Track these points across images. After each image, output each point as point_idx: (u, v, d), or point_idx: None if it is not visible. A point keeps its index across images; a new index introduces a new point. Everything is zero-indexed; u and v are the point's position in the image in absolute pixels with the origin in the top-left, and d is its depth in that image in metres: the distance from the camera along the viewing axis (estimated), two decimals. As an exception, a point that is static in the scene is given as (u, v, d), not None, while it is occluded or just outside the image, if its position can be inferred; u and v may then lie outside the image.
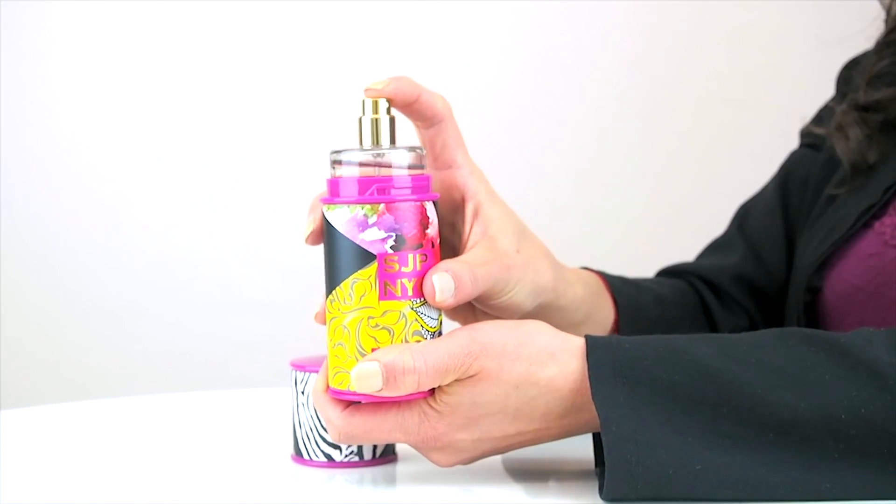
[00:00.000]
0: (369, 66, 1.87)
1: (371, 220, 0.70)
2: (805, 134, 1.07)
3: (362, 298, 0.71)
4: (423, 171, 0.73)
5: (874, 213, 0.93)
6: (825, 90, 1.11)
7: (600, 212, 1.92)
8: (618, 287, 0.93)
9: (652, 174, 1.91)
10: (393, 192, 0.71)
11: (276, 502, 0.74)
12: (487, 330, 0.71)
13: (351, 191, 0.71)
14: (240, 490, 0.76)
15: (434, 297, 0.71)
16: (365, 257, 0.70)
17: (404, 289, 0.71)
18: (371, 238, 0.70)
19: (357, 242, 0.71)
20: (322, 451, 0.80)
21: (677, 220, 1.89)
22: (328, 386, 0.73)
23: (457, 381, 0.70)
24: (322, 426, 0.79)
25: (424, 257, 0.71)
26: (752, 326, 1.02)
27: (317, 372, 0.79)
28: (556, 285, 0.81)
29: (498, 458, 0.79)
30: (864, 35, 1.02)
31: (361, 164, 0.71)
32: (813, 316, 0.95)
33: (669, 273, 1.05)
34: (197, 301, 1.93)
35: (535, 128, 1.92)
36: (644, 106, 1.90)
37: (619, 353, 0.69)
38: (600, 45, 1.90)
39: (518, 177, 1.84)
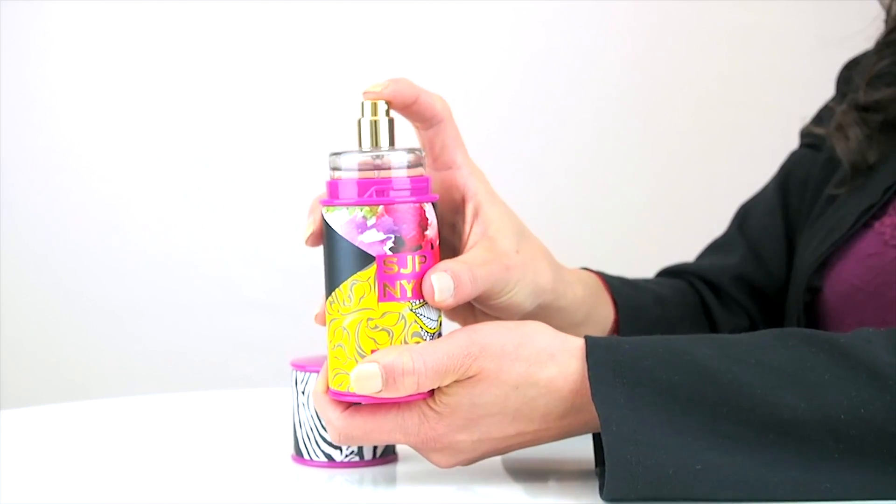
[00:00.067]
0: (369, 67, 1.87)
1: (370, 222, 0.70)
2: (805, 134, 1.07)
3: (361, 300, 0.71)
4: (422, 173, 0.73)
5: (874, 213, 0.93)
6: (825, 90, 1.11)
7: (600, 212, 1.92)
8: (617, 287, 0.93)
9: (652, 174, 1.91)
10: (392, 193, 0.71)
11: (276, 502, 0.74)
12: (487, 331, 0.71)
13: (350, 192, 0.71)
14: (240, 490, 0.76)
15: (433, 296, 0.71)
16: (364, 259, 0.70)
17: (403, 290, 0.71)
18: (370, 240, 0.70)
19: (356, 244, 0.71)
20: (322, 451, 0.80)
21: (677, 220, 1.89)
22: (328, 387, 0.73)
23: (456, 381, 0.70)
24: (322, 426, 0.79)
25: (423, 259, 0.71)
26: (753, 327, 1.02)
27: (317, 372, 0.79)
28: (556, 286, 0.81)
29: (498, 458, 0.79)
30: (864, 35, 1.02)
31: (360, 166, 0.71)
32: (813, 316, 0.95)
33: (669, 273, 1.05)
34: (197, 301, 1.93)
35: (535, 128, 1.92)
36: (644, 106, 1.90)
37: (618, 353, 0.69)
38: (600, 45, 1.90)
39: (518, 177, 1.84)
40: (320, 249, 0.74)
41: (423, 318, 0.72)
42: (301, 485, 0.77)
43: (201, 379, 1.90)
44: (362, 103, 0.74)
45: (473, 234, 0.77)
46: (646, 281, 1.01)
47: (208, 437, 0.91)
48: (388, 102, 0.74)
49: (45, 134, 1.92)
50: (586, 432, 0.73)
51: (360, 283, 0.71)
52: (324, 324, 0.74)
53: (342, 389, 0.72)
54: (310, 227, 0.74)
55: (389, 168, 0.71)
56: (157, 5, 1.89)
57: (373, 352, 0.70)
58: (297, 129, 1.91)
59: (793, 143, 1.09)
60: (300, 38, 1.91)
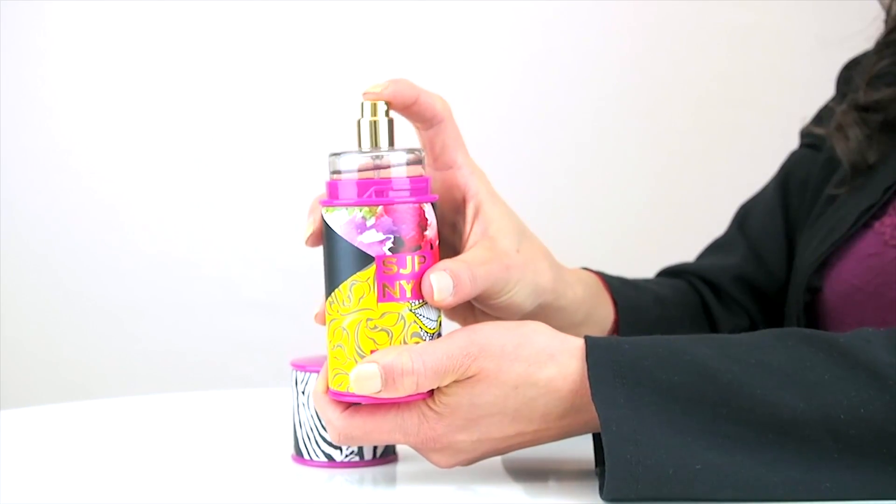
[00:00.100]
0: (369, 67, 1.88)
1: (369, 223, 0.70)
2: (805, 134, 1.07)
3: (361, 300, 0.71)
4: (422, 173, 0.73)
5: (874, 213, 0.93)
6: (825, 90, 1.11)
7: (600, 212, 1.92)
8: (617, 288, 0.93)
9: (652, 174, 1.91)
10: (391, 194, 0.71)
11: (276, 502, 0.74)
12: (486, 331, 0.71)
13: (349, 193, 0.71)
14: (240, 490, 0.76)
15: (432, 296, 0.71)
16: (363, 259, 0.70)
17: (403, 290, 0.71)
18: (369, 240, 0.70)
19: (355, 244, 0.71)
20: (322, 451, 0.80)
21: (677, 220, 1.89)
22: (328, 387, 0.73)
23: (456, 382, 0.70)
24: (322, 426, 0.79)
25: (423, 259, 0.71)
26: (753, 327, 1.02)
27: (317, 372, 0.79)
28: (556, 286, 0.81)
29: (498, 458, 0.79)
30: (864, 35, 1.02)
31: (360, 167, 0.71)
32: (813, 316, 0.95)
33: (670, 273, 1.05)
34: (197, 301, 1.93)
35: (535, 128, 1.92)
36: (644, 106, 1.90)
37: (618, 353, 0.69)
38: (600, 46, 1.90)
39: (518, 177, 1.84)
40: (320, 249, 0.74)
41: (423, 319, 0.72)
42: (301, 485, 0.77)
43: (201, 379, 1.90)
44: (362, 104, 0.74)
45: (474, 233, 0.77)
46: (646, 281, 1.01)
47: (208, 437, 0.91)
48: (387, 103, 0.74)
49: (45, 134, 1.92)
50: (586, 432, 0.73)
51: (360, 283, 0.71)
52: (324, 323, 0.74)
53: (342, 389, 0.72)
54: (310, 227, 0.74)
55: (389, 168, 0.71)
56: (157, 5, 1.89)
57: (372, 352, 0.70)
58: (297, 130, 1.91)
59: (793, 143, 1.09)
60: (300, 39, 1.91)
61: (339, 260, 0.71)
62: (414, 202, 0.71)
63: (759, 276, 1.02)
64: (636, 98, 1.90)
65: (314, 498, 0.75)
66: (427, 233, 0.72)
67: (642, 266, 1.16)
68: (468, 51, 1.90)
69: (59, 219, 1.92)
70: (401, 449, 0.82)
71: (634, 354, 0.69)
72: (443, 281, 0.71)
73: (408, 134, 0.80)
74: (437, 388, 0.71)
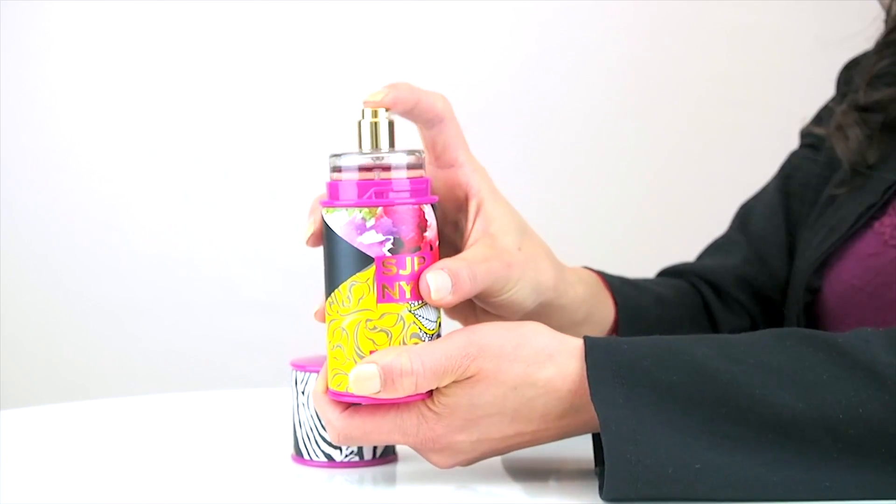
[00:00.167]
0: (370, 67, 1.87)
1: (369, 224, 0.70)
2: (805, 134, 1.07)
3: (360, 301, 0.71)
4: (422, 175, 0.73)
5: (874, 214, 0.93)
6: (825, 90, 1.11)
7: (600, 212, 1.91)
8: (618, 287, 0.93)
9: (652, 174, 1.91)
10: (391, 195, 0.71)
11: (276, 502, 0.74)
12: (485, 331, 0.71)
13: (349, 194, 0.71)
14: (240, 490, 0.76)
15: (430, 295, 0.71)
16: (363, 260, 0.70)
17: (402, 291, 0.71)
18: (369, 241, 0.70)
19: (355, 245, 0.71)
20: (322, 451, 0.80)
21: (677, 220, 1.89)
22: (327, 387, 0.73)
23: (455, 382, 0.70)
24: (322, 426, 0.79)
25: (422, 260, 0.72)
26: (754, 327, 1.02)
27: (317, 372, 0.79)
28: (557, 284, 0.81)
29: (498, 458, 0.79)
30: (864, 35, 1.02)
31: (360, 168, 0.72)
32: (813, 316, 0.95)
33: (671, 273, 1.05)
34: (197, 301, 1.93)
35: (534, 127, 1.92)
36: (644, 106, 1.90)
37: (617, 353, 0.69)
38: (600, 46, 1.90)
39: (518, 176, 1.83)
40: (320, 250, 0.74)
41: (422, 320, 0.72)
42: (301, 485, 0.77)
43: (201, 379, 1.90)
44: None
45: (475, 231, 0.77)
46: (647, 281, 1.01)
47: (208, 437, 0.91)
48: (388, 109, 0.74)
49: (45, 134, 1.92)
50: (585, 432, 0.73)
51: (359, 284, 0.71)
52: (323, 321, 0.74)
53: (341, 390, 0.72)
54: (310, 227, 0.75)
55: (389, 170, 0.71)
56: (158, 5, 1.89)
57: (371, 352, 0.71)
58: (297, 130, 1.91)
59: (793, 143, 1.09)
60: (300, 39, 1.91)
61: (338, 260, 0.71)
62: (414, 203, 0.71)
63: (761, 276, 1.02)
64: (636, 98, 1.90)
65: (314, 498, 0.75)
66: (427, 234, 0.72)
67: (642, 266, 1.16)
68: (468, 50, 1.90)
69: (59, 219, 1.92)
70: (401, 449, 0.82)
71: (633, 354, 0.69)
72: (440, 280, 0.71)
73: (409, 133, 0.80)
74: (437, 388, 0.71)
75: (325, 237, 0.72)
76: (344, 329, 0.71)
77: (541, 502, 0.72)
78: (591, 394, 0.68)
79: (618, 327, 0.91)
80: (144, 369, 1.92)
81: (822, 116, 1.05)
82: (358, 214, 0.71)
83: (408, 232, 0.71)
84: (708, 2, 1.88)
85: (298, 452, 0.81)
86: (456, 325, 0.78)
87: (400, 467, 0.80)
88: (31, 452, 0.88)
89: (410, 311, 0.71)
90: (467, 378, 0.70)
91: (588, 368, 0.69)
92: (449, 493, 0.73)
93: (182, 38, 1.90)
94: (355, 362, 0.71)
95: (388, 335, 0.71)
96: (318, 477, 0.78)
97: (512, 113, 1.91)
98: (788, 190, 1.04)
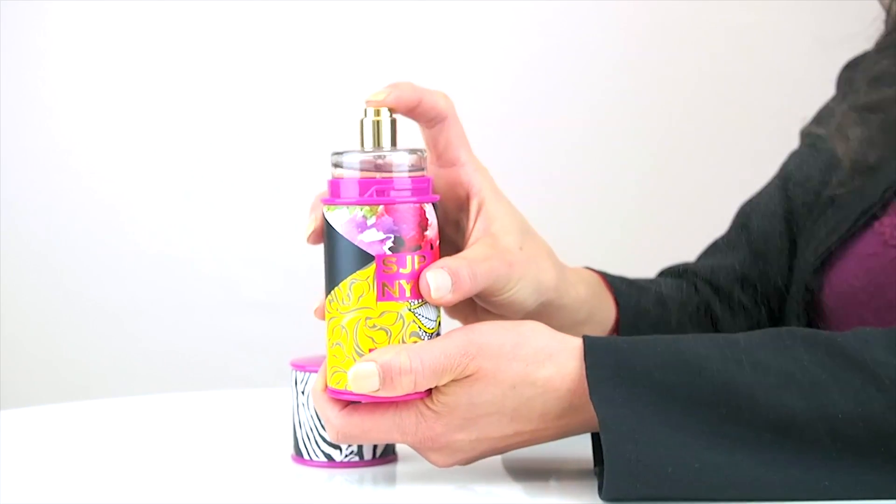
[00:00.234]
0: (371, 66, 1.87)
1: (370, 222, 0.70)
2: (805, 134, 1.07)
3: (360, 299, 0.71)
4: (424, 173, 0.73)
5: (874, 214, 0.93)
6: (825, 90, 1.11)
7: (600, 211, 1.91)
8: (619, 287, 0.93)
9: (652, 174, 1.91)
10: (392, 193, 0.71)
11: (276, 502, 0.74)
12: (484, 330, 0.71)
13: (351, 192, 0.71)
14: (240, 490, 0.76)
15: (430, 293, 0.71)
16: (363, 258, 0.71)
17: (402, 290, 0.71)
18: (370, 239, 0.70)
19: (356, 243, 0.71)
20: (322, 451, 0.80)
21: (677, 219, 1.89)
22: (326, 385, 0.73)
23: (454, 381, 0.70)
24: (322, 426, 0.79)
25: (423, 259, 0.72)
26: (754, 327, 1.01)
27: (317, 372, 0.79)
28: (559, 284, 0.81)
29: (498, 457, 0.79)
30: (864, 35, 1.02)
31: (362, 166, 0.72)
32: (813, 316, 0.95)
33: (671, 273, 1.05)
34: (197, 301, 1.93)
35: (535, 127, 1.92)
36: (644, 106, 1.90)
37: (616, 353, 0.69)
38: (600, 45, 1.90)
39: (518, 176, 1.83)
40: (320, 250, 0.74)
41: (422, 318, 0.72)
42: (301, 485, 0.77)
43: (201, 379, 1.90)
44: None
45: (476, 230, 0.77)
46: (648, 281, 1.01)
47: (208, 437, 0.91)
48: (390, 109, 0.74)
49: (45, 134, 1.92)
50: (584, 432, 0.73)
51: (359, 282, 0.71)
52: (323, 318, 0.74)
53: (340, 388, 0.72)
54: (311, 224, 0.75)
55: (391, 168, 0.72)
56: (158, 5, 1.89)
57: (371, 351, 0.71)
58: (297, 129, 1.91)
59: (793, 143, 1.09)
60: (300, 38, 1.91)
61: (339, 258, 0.71)
62: (415, 202, 0.71)
63: (761, 276, 1.02)
64: (636, 97, 1.90)
65: (314, 498, 0.75)
66: (427, 233, 0.72)
67: (642, 266, 1.16)
68: (468, 51, 1.90)
69: (59, 219, 1.92)
70: (400, 449, 0.82)
71: (633, 354, 0.69)
72: (440, 279, 0.71)
73: (411, 132, 0.80)
74: (436, 387, 0.71)
75: (326, 235, 0.72)
76: (343, 327, 0.71)
77: (541, 502, 0.72)
78: (591, 393, 0.68)
79: (619, 327, 0.91)
80: (144, 369, 1.92)
81: (822, 116, 1.05)
82: (359, 212, 0.71)
83: (408, 230, 0.71)
84: (708, 2, 1.88)
85: (298, 452, 0.81)
86: (456, 324, 0.77)
87: (400, 467, 0.80)
88: (31, 452, 0.88)
89: (410, 310, 0.71)
90: (466, 377, 0.70)
91: (587, 368, 0.69)
92: (449, 493, 0.73)
93: (182, 37, 1.91)
94: (354, 360, 0.71)
95: (387, 333, 0.71)
96: (318, 477, 0.78)
97: (513, 112, 1.91)
98: (788, 190, 1.04)
